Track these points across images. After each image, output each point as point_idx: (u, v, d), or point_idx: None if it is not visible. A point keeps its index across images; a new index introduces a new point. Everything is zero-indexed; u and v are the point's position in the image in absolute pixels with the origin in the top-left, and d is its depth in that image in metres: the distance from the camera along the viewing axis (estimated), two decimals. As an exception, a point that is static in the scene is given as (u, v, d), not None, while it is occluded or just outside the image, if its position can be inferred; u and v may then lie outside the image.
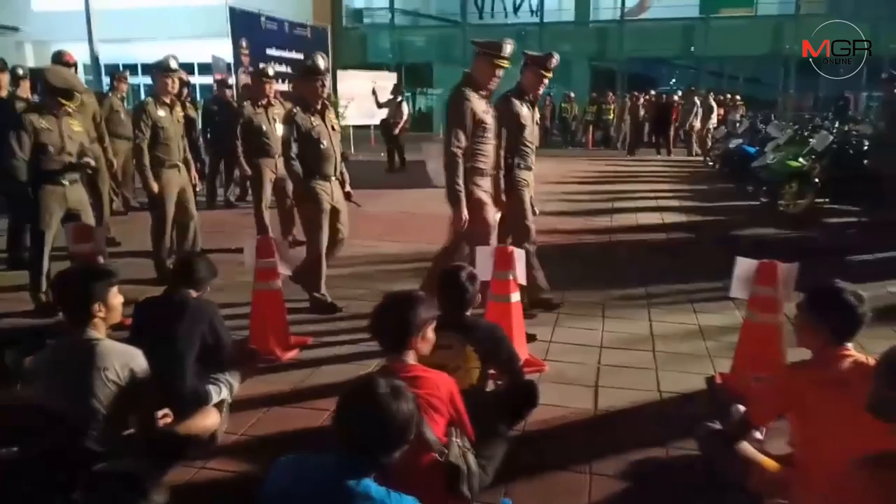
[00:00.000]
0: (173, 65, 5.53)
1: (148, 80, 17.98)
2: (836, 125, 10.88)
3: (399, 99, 13.60)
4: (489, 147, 4.40)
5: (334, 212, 4.89)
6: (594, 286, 5.50)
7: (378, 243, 6.99)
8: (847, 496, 1.85)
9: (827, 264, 5.59)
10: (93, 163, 5.06)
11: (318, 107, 4.82)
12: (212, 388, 3.04)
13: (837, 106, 16.14)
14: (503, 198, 4.60)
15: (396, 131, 13.29)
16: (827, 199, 8.90)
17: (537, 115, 4.94)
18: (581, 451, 3.02)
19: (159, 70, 5.52)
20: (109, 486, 1.57)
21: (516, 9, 24.26)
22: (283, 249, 4.23)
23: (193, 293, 3.06)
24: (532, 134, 4.78)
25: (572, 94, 20.39)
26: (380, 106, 13.45)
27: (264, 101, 6.74)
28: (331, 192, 4.84)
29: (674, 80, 23.75)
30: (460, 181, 4.26)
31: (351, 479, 1.66)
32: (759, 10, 21.90)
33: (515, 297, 3.96)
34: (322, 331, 4.50)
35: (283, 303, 4.21)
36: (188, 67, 6.51)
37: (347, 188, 5.05)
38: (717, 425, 2.59)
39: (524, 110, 4.68)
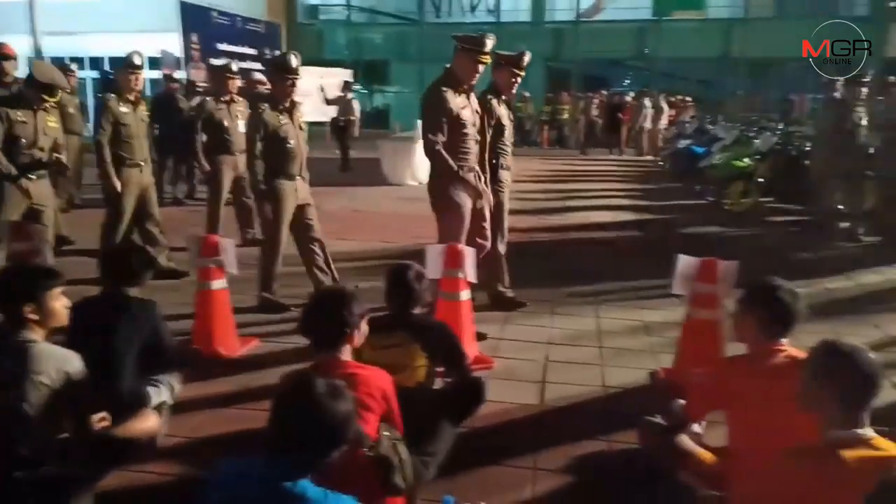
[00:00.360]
0: (137, 61, 5.41)
1: (95, 73, 17.50)
2: (780, 126, 11.19)
3: (349, 96, 13.31)
4: (470, 143, 4.30)
5: (301, 209, 4.83)
6: (545, 283, 5.56)
7: (332, 241, 6.90)
8: (777, 487, 1.91)
9: (768, 262, 5.78)
10: (64, 159, 4.91)
11: (287, 105, 4.75)
12: (151, 389, 2.94)
13: (782, 108, 16.61)
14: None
15: (356, 133, 13.10)
16: (771, 199, 9.16)
17: (511, 115, 4.91)
18: (525, 446, 3.06)
19: (123, 66, 5.39)
20: (32, 493, 1.52)
21: (473, 8, 24.32)
22: (230, 249, 4.15)
23: (133, 290, 2.98)
24: (510, 135, 4.78)
25: (528, 94, 20.53)
26: (328, 103, 13.20)
27: (227, 98, 6.63)
28: (296, 190, 4.78)
29: (628, 81, 24.11)
30: (453, 164, 4.17)
31: (288, 481, 1.64)
32: (710, 13, 22.38)
33: (465, 294, 3.98)
34: (271, 331, 4.44)
35: (228, 302, 4.13)
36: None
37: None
38: (659, 419, 2.64)
39: (503, 111, 4.67)
